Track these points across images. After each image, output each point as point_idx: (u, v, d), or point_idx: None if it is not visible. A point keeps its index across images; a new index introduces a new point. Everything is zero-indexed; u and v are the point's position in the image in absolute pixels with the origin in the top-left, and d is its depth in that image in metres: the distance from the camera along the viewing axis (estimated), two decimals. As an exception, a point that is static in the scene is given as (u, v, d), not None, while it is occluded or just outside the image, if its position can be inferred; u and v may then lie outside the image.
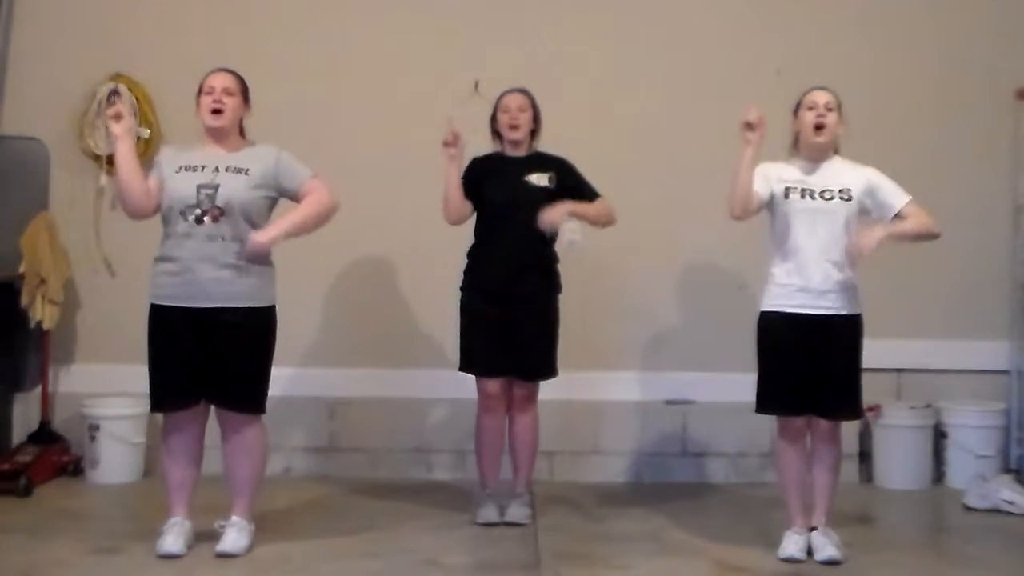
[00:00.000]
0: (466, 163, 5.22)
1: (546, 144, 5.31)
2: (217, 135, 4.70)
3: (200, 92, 4.71)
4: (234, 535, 4.67)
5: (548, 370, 5.25)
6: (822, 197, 4.64)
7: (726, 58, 6.16)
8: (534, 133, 5.28)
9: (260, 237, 4.58)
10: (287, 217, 4.70)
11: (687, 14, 6.22)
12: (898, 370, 6.16)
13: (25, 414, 6.14)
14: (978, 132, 6.17)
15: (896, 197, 4.68)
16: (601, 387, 6.11)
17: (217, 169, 4.62)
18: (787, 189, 4.67)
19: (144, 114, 6.05)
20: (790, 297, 4.65)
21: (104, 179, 6.14)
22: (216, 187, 4.58)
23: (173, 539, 4.61)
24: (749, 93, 5.96)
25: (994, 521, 5.37)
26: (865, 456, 6.10)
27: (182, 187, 4.59)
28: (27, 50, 6.22)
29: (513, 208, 5.13)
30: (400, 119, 6.09)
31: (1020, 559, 4.94)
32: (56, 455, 5.95)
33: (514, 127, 5.20)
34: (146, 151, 6.03)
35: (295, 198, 4.76)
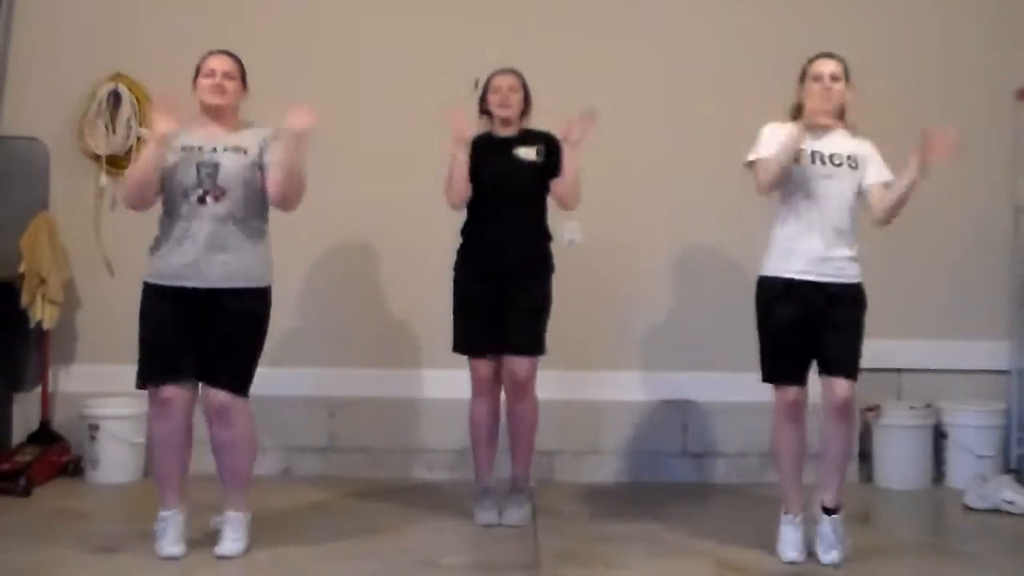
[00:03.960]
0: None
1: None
2: (216, 114, 4.68)
3: (198, 73, 4.69)
4: (233, 535, 4.66)
5: (535, 345, 5.16)
6: (831, 162, 4.62)
7: (727, 53, 6.15)
8: (523, 113, 5.27)
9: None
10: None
11: (688, 10, 6.22)
12: (898, 370, 6.16)
13: (25, 414, 6.13)
14: (978, 132, 6.16)
15: (883, 171, 4.68)
16: (601, 387, 6.10)
17: (215, 149, 4.60)
18: (799, 153, 4.61)
19: (144, 114, 6.06)
20: (790, 262, 4.61)
21: (104, 179, 6.14)
22: (216, 166, 4.57)
23: (172, 539, 4.60)
24: (749, 89, 5.99)
25: (994, 521, 5.37)
26: (865, 456, 6.09)
27: (183, 168, 4.58)
28: (27, 50, 6.22)
29: (504, 184, 5.13)
30: (400, 118, 6.08)
31: (1020, 559, 4.93)
32: (56, 455, 5.94)
33: (504, 106, 5.20)
34: (146, 151, 6.03)
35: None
